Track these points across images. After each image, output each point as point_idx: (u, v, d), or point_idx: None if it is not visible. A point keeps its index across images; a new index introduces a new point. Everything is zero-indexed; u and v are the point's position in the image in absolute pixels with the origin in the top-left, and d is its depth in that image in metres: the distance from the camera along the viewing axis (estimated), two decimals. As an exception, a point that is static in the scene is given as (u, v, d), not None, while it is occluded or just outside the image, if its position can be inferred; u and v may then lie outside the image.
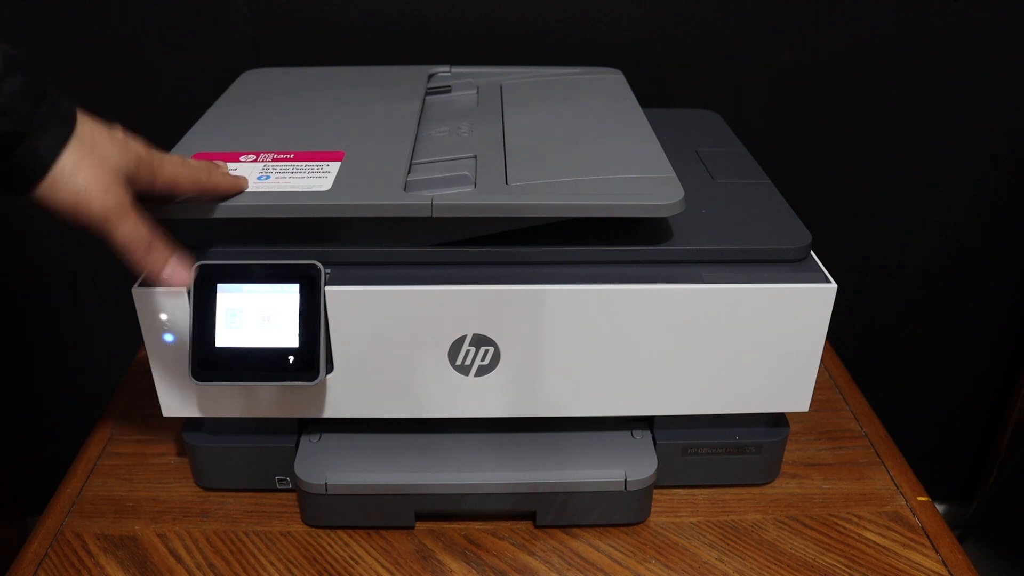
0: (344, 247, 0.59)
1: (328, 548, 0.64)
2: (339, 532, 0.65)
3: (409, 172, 0.60)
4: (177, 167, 0.54)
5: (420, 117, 0.71)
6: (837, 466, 0.72)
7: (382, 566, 0.62)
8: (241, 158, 0.61)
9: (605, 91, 0.77)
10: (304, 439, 0.65)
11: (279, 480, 0.67)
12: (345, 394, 0.61)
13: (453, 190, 0.58)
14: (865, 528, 0.66)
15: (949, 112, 1.01)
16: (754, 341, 0.60)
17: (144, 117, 0.92)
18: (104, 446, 0.74)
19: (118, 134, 0.52)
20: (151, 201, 0.55)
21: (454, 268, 0.59)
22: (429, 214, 0.56)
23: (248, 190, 0.57)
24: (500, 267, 0.59)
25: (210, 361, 0.57)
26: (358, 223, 0.58)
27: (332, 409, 0.62)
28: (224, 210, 0.56)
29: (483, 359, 0.60)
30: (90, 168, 0.49)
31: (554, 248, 0.59)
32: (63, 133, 0.49)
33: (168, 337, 0.59)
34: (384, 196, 0.57)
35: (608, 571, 0.62)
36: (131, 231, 0.51)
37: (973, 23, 0.95)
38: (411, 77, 0.79)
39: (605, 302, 0.58)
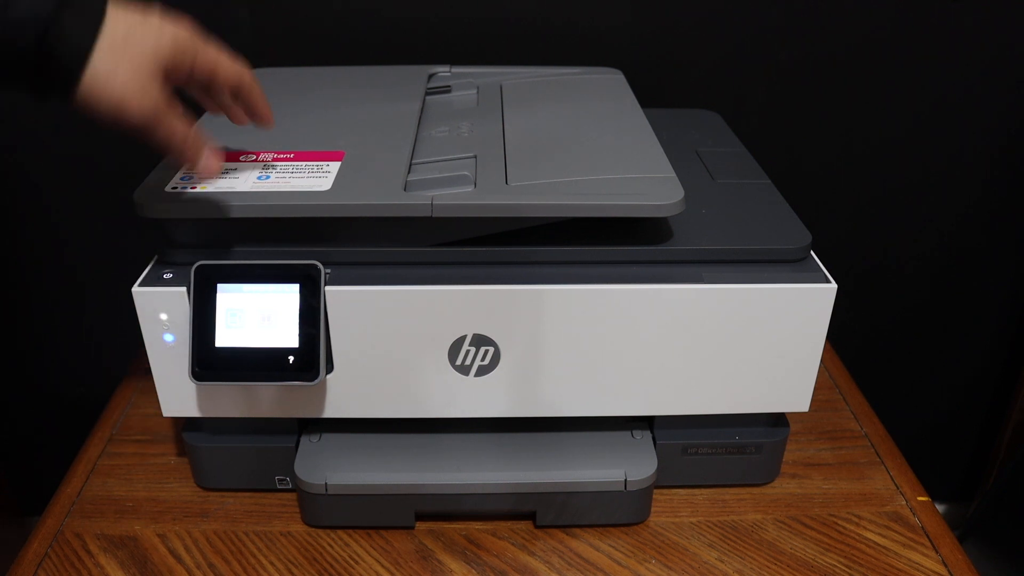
0: (344, 247, 0.59)
1: (328, 548, 0.64)
2: (339, 532, 0.65)
3: (409, 172, 0.60)
4: (219, 53, 0.53)
5: (420, 117, 0.71)
6: (837, 466, 0.72)
7: (382, 566, 0.62)
8: (241, 158, 0.61)
9: (605, 91, 0.77)
10: (304, 439, 0.65)
11: (279, 480, 0.67)
12: (345, 394, 0.61)
13: (453, 190, 0.58)
14: (865, 528, 0.66)
15: (949, 112, 1.01)
16: (754, 341, 0.60)
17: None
18: (104, 446, 0.74)
19: (154, 18, 0.49)
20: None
21: (454, 268, 0.59)
22: (429, 214, 0.56)
23: (248, 190, 0.57)
24: (500, 267, 0.59)
25: (210, 361, 0.57)
26: (358, 223, 0.58)
27: (332, 409, 0.62)
28: (225, 210, 0.56)
29: (483, 359, 0.60)
30: (126, 69, 0.47)
31: (554, 248, 0.59)
32: (92, 22, 0.46)
33: (168, 337, 0.59)
34: (384, 196, 0.57)
35: (608, 571, 0.62)
36: (168, 132, 0.50)
37: (973, 23, 0.95)
38: (411, 77, 0.79)
39: (605, 302, 0.58)
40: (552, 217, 0.58)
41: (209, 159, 0.54)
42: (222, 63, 0.53)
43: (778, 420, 0.68)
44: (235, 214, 0.56)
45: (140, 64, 0.48)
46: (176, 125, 0.51)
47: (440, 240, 0.59)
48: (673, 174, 0.59)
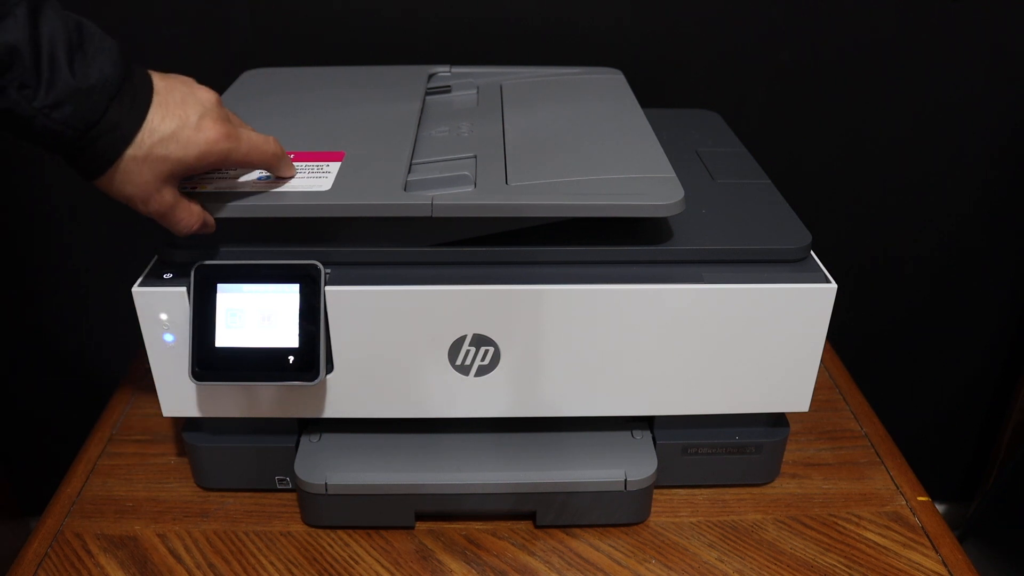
0: (344, 247, 0.59)
1: (328, 548, 0.64)
2: (339, 532, 0.65)
3: (409, 172, 0.60)
4: (247, 153, 0.54)
5: (420, 117, 0.71)
6: (837, 466, 0.72)
7: (382, 566, 0.62)
8: None
9: (605, 91, 0.77)
10: (304, 439, 0.65)
11: (279, 480, 0.67)
12: (345, 394, 0.61)
13: (453, 190, 0.58)
14: (865, 528, 0.66)
15: (949, 112, 1.01)
16: (754, 341, 0.60)
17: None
18: (104, 446, 0.74)
19: (188, 124, 0.51)
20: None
21: (454, 268, 0.59)
22: (429, 214, 0.56)
23: (249, 190, 0.57)
24: (500, 267, 0.59)
25: (210, 361, 0.57)
26: (358, 223, 0.58)
27: (332, 409, 0.62)
28: (225, 210, 0.56)
29: (483, 359, 0.60)
30: (141, 180, 0.50)
31: (554, 247, 0.59)
32: (130, 128, 0.49)
33: (168, 337, 0.59)
34: (384, 196, 0.57)
35: (608, 571, 0.62)
36: (171, 223, 0.54)
37: (973, 23, 0.95)
38: (411, 77, 0.79)
39: (605, 302, 0.58)
40: (552, 217, 0.58)
41: (203, 227, 0.56)
42: (252, 158, 0.55)
43: (778, 420, 0.68)
44: (235, 214, 0.56)
45: (157, 175, 0.51)
46: (180, 217, 0.54)
47: (440, 240, 0.59)
48: (673, 174, 0.59)
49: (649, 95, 0.82)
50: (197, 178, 0.58)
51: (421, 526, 0.66)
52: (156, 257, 0.60)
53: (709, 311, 0.58)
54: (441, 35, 0.94)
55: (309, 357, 0.57)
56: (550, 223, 0.59)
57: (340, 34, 0.94)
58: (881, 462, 0.73)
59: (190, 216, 0.54)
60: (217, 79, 0.79)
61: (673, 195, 0.56)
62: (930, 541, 0.65)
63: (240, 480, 0.68)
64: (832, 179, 1.06)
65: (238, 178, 0.59)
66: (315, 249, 0.58)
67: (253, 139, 0.55)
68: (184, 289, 0.57)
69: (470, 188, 0.59)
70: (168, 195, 0.52)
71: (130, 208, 0.53)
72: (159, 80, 0.52)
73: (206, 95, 0.53)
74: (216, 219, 0.56)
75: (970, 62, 0.98)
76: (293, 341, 0.57)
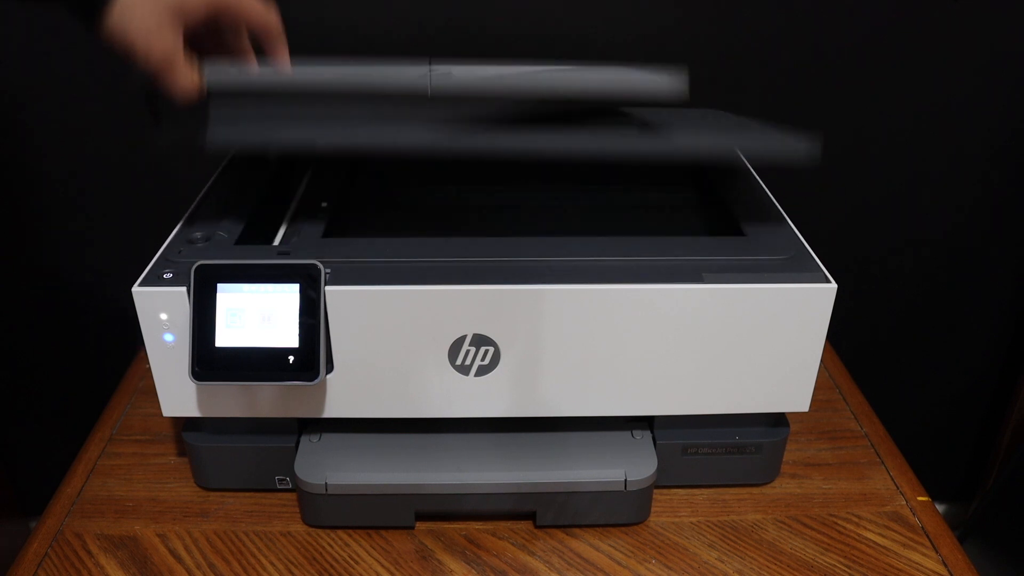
0: (342, 127, 0.60)
1: (328, 548, 0.64)
2: (339, 532, 0.65)
3: None
4: (248, 8, 0.56)
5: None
6: (837, 466, 0.72)
7: (382, 566, 0.62)
8: None
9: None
10: (304, 439, 0.65)
11: (279, 480, 0.67)
12: (345, 394, 0.61)
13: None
14: (865, 528, 0.66)
15: (949, 112, 1.01)
16: (754, 341, 0.60)
17: (145, 115, 0.92)
18: (104, 446, 0.74)
19: None
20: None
21: (454, 268, 0.59)
22: (427, 83, 0.56)
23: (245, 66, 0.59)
24: (500, 267, 0.59)
25: (210, 361, 0.57)
26: (357, 98, 0.59)
27: (332, 409, 0.62)
28: (222, 78, 0.57)
29: (483, 359, 0.60)
30: (141, 11, 0.50)
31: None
32: None
33: (168, 337, 0.59)
34: (382, 69, 0.58)
35: (608, 571, 0.62)
36: (173, 79, 0.54)
37: (973, 23, 0.95)
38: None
39: (605, 302, 0.58)
40: (558, 98, 0.58)
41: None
42: (252, 17, 0.57)
43: (778, 420, 0.68)
44: (231, 79, 0.58)
45: (159, 12, 0.51)
46: (182, 73, 0.54)
47: (437, 117, 0.59)
48: (679, 70, 0.60)
49: (649, 95, 0.82)
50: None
51: (421, 526, 0.66)
52: (156, 257, 0.60)
53: (709, 311, 0.58)
54: (441, 35, 0.94)
55: (309, 357, 0.57)
56: (557, 112, 0.59)
57: (340, 34, 0.94)
58: (881, 462, 0.73)
59: (191, 76, 0.54)
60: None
61: (678, 79, 0.56)
62: (930, 541, 0.65)
63: (240, 480, 0.68)
64: (832, 179, 1.06)
65: (234, 59, 0.60)
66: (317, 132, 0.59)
67: None
68: (184, 289, 0.57)
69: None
70: (170, 38, 0.52)
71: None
72: None
73: None
74: (210, 85, 0.57)
75: (970, 62, 0.98)
76: (293, 341, 0.57)
